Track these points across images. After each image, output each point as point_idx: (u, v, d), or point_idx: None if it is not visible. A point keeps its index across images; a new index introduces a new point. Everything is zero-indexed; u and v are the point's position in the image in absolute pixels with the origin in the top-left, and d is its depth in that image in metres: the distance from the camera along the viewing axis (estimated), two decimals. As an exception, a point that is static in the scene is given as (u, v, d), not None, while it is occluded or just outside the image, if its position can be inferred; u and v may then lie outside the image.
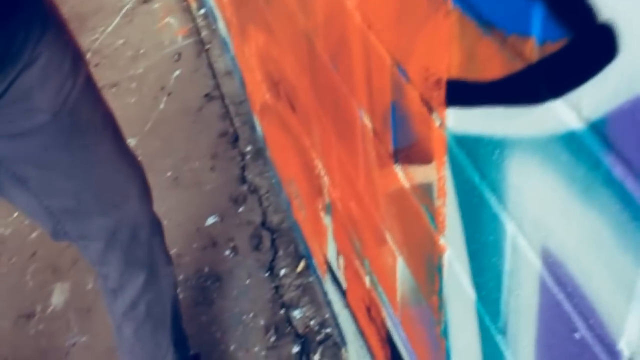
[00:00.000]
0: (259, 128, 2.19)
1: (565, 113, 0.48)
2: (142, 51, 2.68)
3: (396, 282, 1.06)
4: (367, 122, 0.96)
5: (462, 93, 0.63)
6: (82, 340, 1.93)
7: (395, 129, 0.86)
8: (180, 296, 1.96)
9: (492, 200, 0.64)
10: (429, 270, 0.88)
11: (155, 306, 1.46)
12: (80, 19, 2.92)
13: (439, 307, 0.89)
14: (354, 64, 0.93)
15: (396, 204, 0.94)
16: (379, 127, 0.91)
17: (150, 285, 1.42)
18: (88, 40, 2.85)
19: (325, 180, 1.38)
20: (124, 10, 2.95)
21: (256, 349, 1.87)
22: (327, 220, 1.49)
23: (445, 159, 0.72)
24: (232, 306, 1.95)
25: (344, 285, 1.52)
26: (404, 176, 0.87)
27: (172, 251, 2.09)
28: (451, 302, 0.84)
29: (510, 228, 0.62)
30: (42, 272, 2.06)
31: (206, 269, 2.01)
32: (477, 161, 0.64)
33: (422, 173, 0.80)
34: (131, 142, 2.39)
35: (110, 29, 2.88)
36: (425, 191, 0.81)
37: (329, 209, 1.43)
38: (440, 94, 0.68)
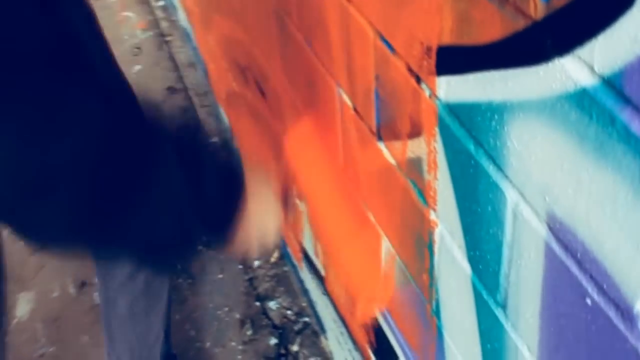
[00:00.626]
0: (225, 118, 2.14)
1: (575, 70, 0.46)
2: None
3: (380, 263, 1.04)
4: (346, 100, 0.94)
5: (455, 60, 0.61)
6: (50, 351, 1.86)
7: (378, 104, 0.83)
8: (152, 294, 1.91)
9: (490, 169, 0.62)
10: (418, 248, 0.87)
11: (153, 281, 1.37)
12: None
13: (430, 285, 0.87)
14: (332, 41, 0.90)
15: (380, 182, 0.92)
16: (361, 104, 0.89)
17: (150, 256, 1.34)
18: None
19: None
20: (76, 4, 2.86)
21: (233, 344, 1.84)
22: (302, 206, 1.46)
23: (436, 130, 0.70)
24: (206, 302, 1.91)
25: (322, 272, 1.50)
26: (389, 153, 0.85)
27: (141, 248, 2.04)
28: (443, 279, 0.82)
29: (511, 196, 0.60)
30: (5, 282, 1.98)
31: (178, 266, 1.96)
32: (472, 130, 0.62)
33: (409, 148, 0.78)
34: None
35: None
36: (413, 166, 0.79)
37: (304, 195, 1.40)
38: (430, 63, 0.66)
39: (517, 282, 0.64)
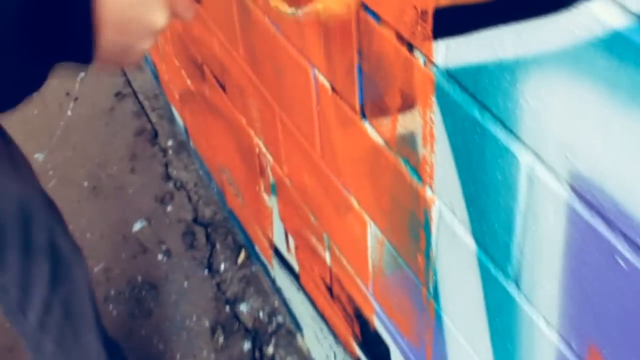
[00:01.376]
0: (179, 119, 2.07)
1: (605, 12, 0.43)
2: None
3: (367, 251, 1.01)
4: (323, 81, 0.89)
5: (456, 20, 0.58)
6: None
7: (362, 81, 0.79)
8: (114, 312, 1.83)
9: (499, 133, 0.59)
10: (411, 230, 0.83)
11: (72, 303, 1.23)
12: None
13: (426, 268, 0.84)
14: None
15: (365, 164, 0.88)
16: (340, 83, 0.85)
17: (60, 278, 1.19)
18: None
19: (268, 158, 1.30)
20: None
21: (204, 353, 1.77)
22: (271, 202, 1.42)
23: (433, 100, 0.66)
24: (172, 313, 1.84)
25: (296, 267, 1.45)
26: (375, 131, 0.81)
27: (100, 265, 1.94)
28: (442, 259, 0.79)
29: (525, 160, 0.57)
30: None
31: (139, 278, 1.88)
32: (477, 94, 0.59)
33: (400, 123, 0.75)
34: (39, 156, 2.21)
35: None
36: (404, 142, 0.75)
37: (274, 188, 1.35)
38: (425, 27, 0.62)
39: (533, 251, 0.61)
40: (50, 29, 0.60)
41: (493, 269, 0.69)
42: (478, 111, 0.60)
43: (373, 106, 0.79)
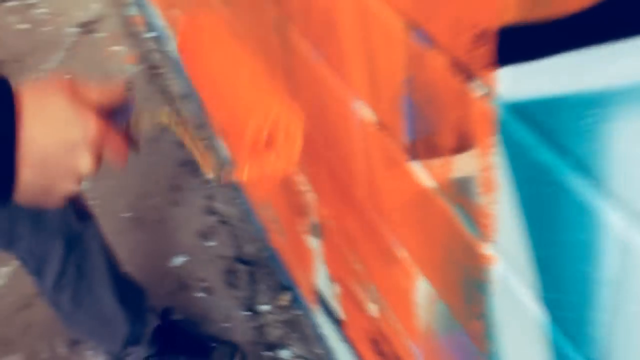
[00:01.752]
0: (224, 150, 1.99)
1: None
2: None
3: (415, 308, 0.88)
4: (367, 115, 0.78)
5: (528, 41, 0.46)
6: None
7: (410, 115, 0.68)
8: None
9: (581, 185, 0.46)
10: (466, 290, 0.70)
11: (85, 264, 1.31)
12: (19, 59, 2.69)
13: (484, 334, 0.71)
14: (347, 44, 0.76)
15: (414, 210, 0.76)
16: (386, 117, 0.74)
17: (72, 247, 1.27)
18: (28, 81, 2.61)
19: (311, 196, 1.19)
20: (65, 45, 2.73)
21: (243, 399, 1.66)
22: (314, 244, 1.30)
23: (495, 140, 0.54)
24: (210, 353, 1.73)
25: (341, 316, 1.33)
26: (427, 174, 0.69)
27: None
28: (504, 328, 0.66)
29: (615, 220, 0.44)
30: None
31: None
32: (553, 134, 0.47)
33: (455, 165, 0.63)
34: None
35: (51, 65, 2.66)
36: (460, 188, 0.63)
37: (317, 230, 1.24)
38: (485, 51, 0.51)
39: (627, 331, 0.48)
40: None
41: (569, 348, 0.56)
42: (553, 156, 0.48)
43: (423, 145, 0.68)
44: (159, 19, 2.33)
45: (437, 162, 0.66)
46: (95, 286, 1.37)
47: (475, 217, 0.63)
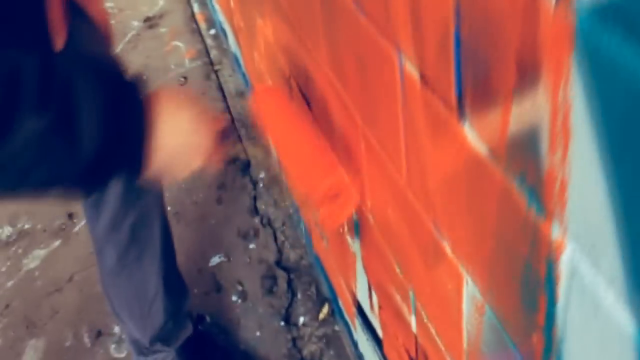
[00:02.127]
0: (274, 151, 1.87)
1: None
2: (144, 77, 2.41)
3: (461, 319, 0.71)
4: (410, 70, 0.63)
5: None
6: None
7: (459, 58, 0.52)
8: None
9: None
10: (525, 291, 0.54)
11: (140, 229, 1.26)
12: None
13: (546, 353, 0.53)
14: (389, -24, 0.61)
15: (461, 188, 0.60)
16: (432, 66, 0.58)
17: (130, 199, 1.22)
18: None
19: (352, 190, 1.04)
20: (127, 37, 2.70)
21: (272, 416, 1.51)
22: (355, 246, 1.15)
23: (571, 64, 0.38)
24: (239, 363, 1.59)
25: (380, 332, 1.16)
26: (476, 135, 0.53)
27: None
28: (574, 343, 0.49)
29: None
30: (14, 327, 1.72)
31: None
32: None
33: (513, 115, 0.47)
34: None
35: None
36: (518, 148, 0.47)
37: (358, 228, 1.08)
38: None
39: None
40: (118, 160, 0.79)
41: (668, 375, 0.38)
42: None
43: (476, 93, 0.52)
44: (221, 17, 2.25)
45: (491, 117, 0.50)
46: (145, 256, 1.30)
47: (539, 188, 0.46)
